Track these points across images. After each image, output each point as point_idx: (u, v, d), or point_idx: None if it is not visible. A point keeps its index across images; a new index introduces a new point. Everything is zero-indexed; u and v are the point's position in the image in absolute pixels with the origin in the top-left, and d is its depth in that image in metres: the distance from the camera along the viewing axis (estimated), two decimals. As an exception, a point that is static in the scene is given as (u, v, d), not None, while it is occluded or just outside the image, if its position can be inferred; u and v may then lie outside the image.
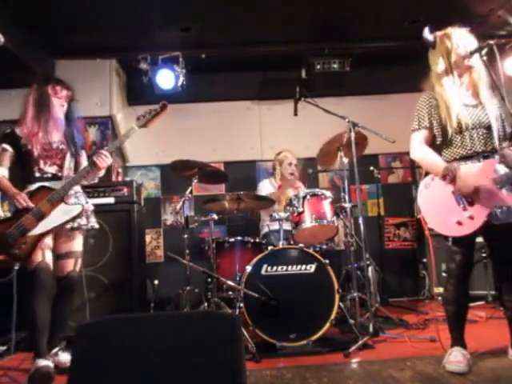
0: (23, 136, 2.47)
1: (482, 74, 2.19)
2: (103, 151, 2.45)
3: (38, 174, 2.47)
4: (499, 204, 2.04)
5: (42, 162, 2.48)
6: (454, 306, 2.21)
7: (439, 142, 2.25)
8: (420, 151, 2.26)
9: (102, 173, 2.55)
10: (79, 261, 2.57)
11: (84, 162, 2.68)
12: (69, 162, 2.57)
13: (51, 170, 2.51)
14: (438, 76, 2.25)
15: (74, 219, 2.43)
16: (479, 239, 2.34)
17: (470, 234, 2.06)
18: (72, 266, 2.52)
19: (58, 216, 2.37)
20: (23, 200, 2.32)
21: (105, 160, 2.43)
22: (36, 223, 2.32)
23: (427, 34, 2.27)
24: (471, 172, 2.09)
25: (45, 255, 2.36)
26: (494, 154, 2.14)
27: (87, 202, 2.62)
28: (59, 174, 2.52)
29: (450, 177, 2.10)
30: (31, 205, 2.33)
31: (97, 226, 2.64)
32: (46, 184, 2.42)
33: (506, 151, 2.18)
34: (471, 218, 2.05)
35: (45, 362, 2.23)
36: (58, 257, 2.49)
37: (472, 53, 2.12)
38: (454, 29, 2.25)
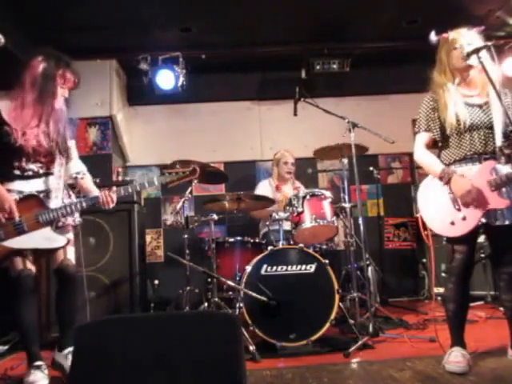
0: (10, 122, 2.16)
1: (492, 73, 2.17)
2: (112, 194, 2.28)
3: (17, 172, 2.21)
4: (492, 207, 2.04)
5: (24, 160, 2.21)
6: (454, 305, 2.21)
7: (441, 144, 2.26)
8: (419, 154, 2.28)
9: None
10: (69, 249, 2.32)
11: (74, 154, 2.45)
12: (60, 161, 2.32)
13: (33, 166, 2.24)
14: (438, 76, 2.26)
15: (52, 250, 2.24)
16: (479, 239, 2.35)
17: (465, 234, 2.06)
18: (61, 255, 2.28)
19: (38, 239, 2.15)
20: (10, 211, 2.10)
21: (109, 202, 2.28)
22: (14, 235, 2.12)
23: (433, 36, 2.25)
24: (468, 175, 2.10)
25: (26, 262, 2.21)
26: (495, 156, 2.13)
27: (70, 196, 2.42)
28: (41, 172, 2.27)
29: (445, 179, 2.12)
30: (17, 218, 2.12)
31: (81, 220, 2.42)
32: (35, 192, 2.21)
33: None
34: (464, 218, 2.07)
35: (39, 362, 2.22)
36: (48, 250, 2.31)
37: (469, 54, 2.12)
38: (457, 30, 2.24)
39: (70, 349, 2.27)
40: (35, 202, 2.19)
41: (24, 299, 2.23)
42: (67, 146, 2.37)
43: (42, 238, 2.17)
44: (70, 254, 2.34)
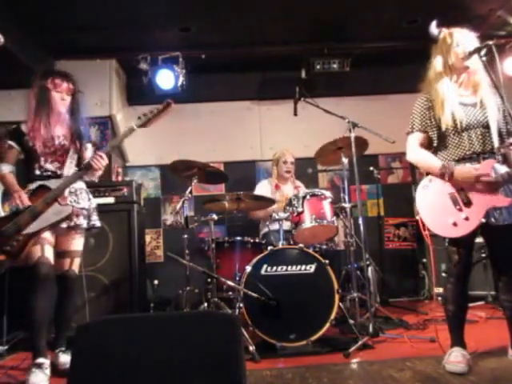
0: (27, 132, 2.46)
1: (484, 74, 2.18)
2: (99, 152, 2.41)
3: (38, 172, 2.46)
4: (494, 205, 2.04)
5: (42, 160, 2.46)
6: (453, 305, 2.21)
7: (436, 144, 2.24)
8: (415, 153, 2.26)
9: (99, 173, 2.49)
10: (76, 260, 2.53)
11: (87, 156, 2.61)
12: (70, 160, 2.52)
13: (51, 167, 2.48)
14: (435, 74, 2.25)
15: (63, 220, 2.39)
16: (479, 239, 2.35)
17: (466, 234, 2.05)
18: (67, 265, 2.49)
19: (49, 216, 2.34)
20: (19, 199, 2.31)
21: (100, 161, 2.38)
22: (31, 221, 2.30)
23: (433, 28, 2.25)
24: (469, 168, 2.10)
25: (44, 250, 2.32)
26: (493, 155, 2.13)
27: (90, 199, 2.57)
28: (59, 172, 2.49)
29: (447, 173, 2.09)
30: (26, 204, 2.31)
31: (99, 224, 2.60)
32: (46, 183, 2.40)
33: (508, 152, 2.17)
34: (466, 219, 2.05)
35: (42, 360, 2.22)
36: (57, 255, 2.46)
37: (470, 53, 2.12)
38: (458, 28, 2.25)
39: (62, 348, 2.50)
40: (44, 191, 2.38)
41: (39, 288, 2.28)
42: (79, 146, 2.57)
43: (51, 214, 2.35)
44: (75, 266, 2.54)
